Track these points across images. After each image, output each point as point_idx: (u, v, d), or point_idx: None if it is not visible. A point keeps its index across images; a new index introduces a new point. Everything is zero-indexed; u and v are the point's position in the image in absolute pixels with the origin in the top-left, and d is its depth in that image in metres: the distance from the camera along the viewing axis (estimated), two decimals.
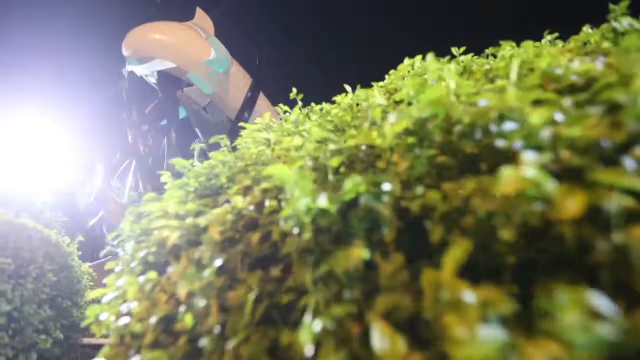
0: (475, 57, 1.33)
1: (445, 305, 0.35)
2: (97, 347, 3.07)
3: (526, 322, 0.34)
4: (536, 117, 0.44)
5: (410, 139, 0.64)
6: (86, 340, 2.41)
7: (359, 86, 1.59)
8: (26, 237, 2.06)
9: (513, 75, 0.63)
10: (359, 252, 0.45)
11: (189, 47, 9.23)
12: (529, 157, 0.39)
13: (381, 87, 1.33)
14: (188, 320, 0.63)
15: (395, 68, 1.35)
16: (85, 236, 3.97)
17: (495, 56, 1.42)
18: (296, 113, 1.62)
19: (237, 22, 11.29)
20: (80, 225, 8.65)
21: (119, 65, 9.76)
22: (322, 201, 0.50)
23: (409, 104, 0.95)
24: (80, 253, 2.54)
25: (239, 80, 9.75)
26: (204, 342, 0.55)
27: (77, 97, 9.31)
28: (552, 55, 0.80)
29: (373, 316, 0.42)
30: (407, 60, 1.25)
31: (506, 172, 0.37)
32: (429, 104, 0.60)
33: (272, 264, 0.65)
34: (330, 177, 0.64)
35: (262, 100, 10.11)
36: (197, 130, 10.43)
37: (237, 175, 0.99)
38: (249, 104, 9.64)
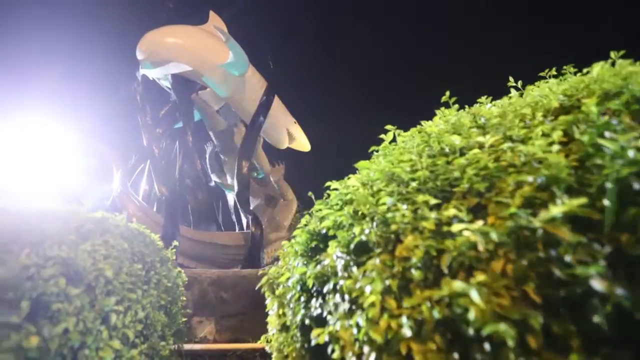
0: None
1: None
2: (195, 354, 3.01)
3: None
4: None
5: None
6: (187, 347, 2.35)
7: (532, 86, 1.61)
8: (144, 242, 2.01)
9: None
10: None
11: (205, 50, 9.16)
12: None
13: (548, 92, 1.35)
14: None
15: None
16: None
17: None
18: (453, 113, 1.63)
19: (249, 24, 11.28)
20: None
21: (131, 68, 9.61)
22: None
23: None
24: (174, 258, 2.48)
25: (255, 84, 9.71)
26: None
27: (90, 100, 9.14)
28: None
29: None
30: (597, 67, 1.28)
31: None
32: None
33: None
34: None
35: (277, 104, 10.08)
36: (210, 133, 10.33)
37: (498, 180, 1.00)
38: (264, 108, 9.60)
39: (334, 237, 1.33)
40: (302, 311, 1.33)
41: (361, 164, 1.43)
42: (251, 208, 9.42)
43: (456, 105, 1.64)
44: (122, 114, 9.90)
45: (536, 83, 1.83)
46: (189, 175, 9.44)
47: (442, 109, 1.63)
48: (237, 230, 9.89)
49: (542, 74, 2.02)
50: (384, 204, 1.14)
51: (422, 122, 1.63)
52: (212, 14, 10.22)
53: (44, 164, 8.52)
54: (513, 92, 1.68)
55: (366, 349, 0.99)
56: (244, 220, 9.64)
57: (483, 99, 1.89)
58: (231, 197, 10.39)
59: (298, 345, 1.41)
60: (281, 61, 10.94)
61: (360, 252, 1.15)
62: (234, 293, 3.97)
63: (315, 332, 1.15)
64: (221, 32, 8.59)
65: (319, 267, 1.29)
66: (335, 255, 1.15)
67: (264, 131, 9.78)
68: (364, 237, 1.08)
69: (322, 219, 1.49)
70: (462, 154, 1.29)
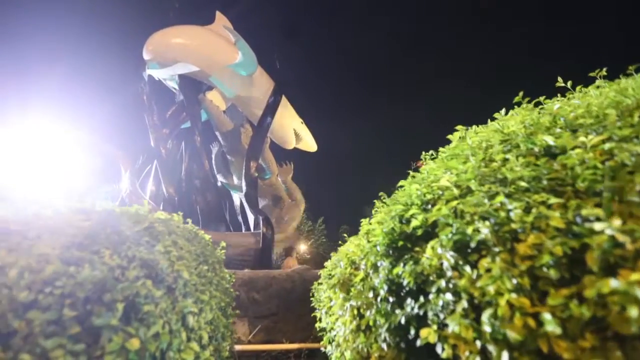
0: None
1: None
2: (244, 354, 2.99)
3: None
4: None
5: None
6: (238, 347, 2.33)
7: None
8: (201, 243, 1.99)
9: None
10: None
11: (212, 51, 9.13)
12: None
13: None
14: None
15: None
16: None
17: None
18: (527, 113, 1.64)
19: (254, 23, 11.28)
20: None
21: (137, 69, 9.53)
22: None
23: None
24: (223, 258, 2.45)
25: (262, 84, 9.70)
26: None
27: (97, 101, 9.07)
28: None
29: None
30: None
31: None
32: None
33: None
34: None
35: (284, 104, 10.07)
36: (217, 133, 10.30)
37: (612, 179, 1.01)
38: (271, 108, 9.58)
39: (426, 236, 1.34)
40: (398, 310, 1.32)
41: (450, 164, 1.43)
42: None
43: (530, 105, 1.64)
44: (129, 115, 9.82)
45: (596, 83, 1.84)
46: (198, 176, 9.38)
47: (519, 108, 1.64)
48: (243, 231, 9.86)
49: (592, 74, 2.04)
50: (491, 203, 1.15)
51: (496, 120, 1.64)
52: (218, 14, 10.19)
53: (52, 165, 8.42)
54: (592, 91, 1.69)
55: (492, 347, 0.99)
56: (251, 221, 9.62)
57: (541, 98, 1.90)
58: (237, 198, 10.36)
59: (385, 345, 1.41)
60: (289, 61, 10.94)
61: (468, 251, 1.15)
62: (265, 294, 3.96)
63: (424, 332, 1.15)
64: (231, 32, 8.56)
65: (415, 266, 1.29)
66: (448, 255, 1.14)
67: (270, 131, 9.77)
68: (482, 236, 1.08)
69: (405, 219, 1.49)
70: (554, 154, 1.30)
